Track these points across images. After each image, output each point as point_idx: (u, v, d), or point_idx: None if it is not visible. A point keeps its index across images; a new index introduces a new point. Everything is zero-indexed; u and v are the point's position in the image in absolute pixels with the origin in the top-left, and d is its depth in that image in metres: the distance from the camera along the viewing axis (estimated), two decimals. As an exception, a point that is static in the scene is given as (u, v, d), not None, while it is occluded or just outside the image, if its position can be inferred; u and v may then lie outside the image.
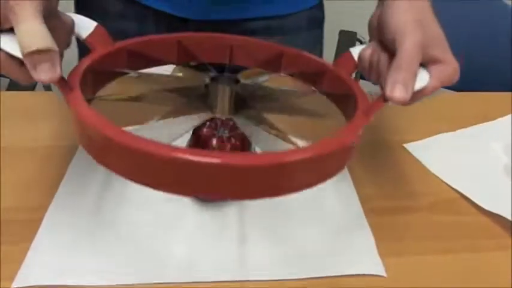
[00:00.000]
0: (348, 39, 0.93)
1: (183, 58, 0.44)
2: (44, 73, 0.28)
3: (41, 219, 0.41)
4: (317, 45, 0.66)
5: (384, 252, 0.41)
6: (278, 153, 0.27)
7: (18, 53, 0.29)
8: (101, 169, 0.29)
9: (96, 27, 0.37)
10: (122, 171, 0.28)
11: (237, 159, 0.26)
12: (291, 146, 0.34)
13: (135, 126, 0.35)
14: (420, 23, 0.35)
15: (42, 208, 0.42)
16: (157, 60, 0.43)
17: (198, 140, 0.41)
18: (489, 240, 0.44)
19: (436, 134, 0.57)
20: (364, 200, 0.46)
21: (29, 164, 0.47)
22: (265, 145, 0.36)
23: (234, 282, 0.37)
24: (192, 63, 0.43)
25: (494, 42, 0.91)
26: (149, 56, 0.42)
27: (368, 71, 0.40)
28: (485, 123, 0.60)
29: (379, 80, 0.39)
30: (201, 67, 0.42)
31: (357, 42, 0.93)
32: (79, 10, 0.61)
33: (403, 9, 0.36)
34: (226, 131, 0.40)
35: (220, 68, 0.42)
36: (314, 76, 0.42)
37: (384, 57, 0.38)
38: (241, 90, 0.38)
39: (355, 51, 0.41)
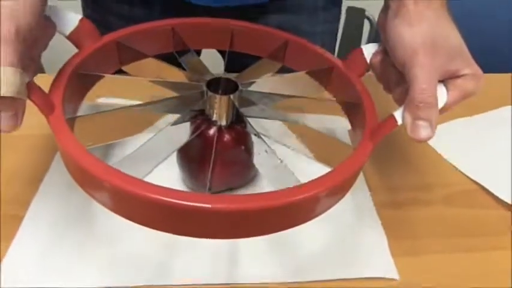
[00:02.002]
0: (355, 16, 0.88)
1: (179, 46, 0.41)
2: (2, 121, 0.27)
3: (21, 216, 0.38)
4: (334, 24, 0.63)
5: (395, 251, 0.38)
6: (278, 194, 0.26)
7: None
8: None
9: (80, 22, 0.34)
10: (98, 200, 0.28)
11: (225, 203, 0.25)
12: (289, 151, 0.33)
13: (132, 136, 0.33)
14: (432, 42, 0.30)
15: (24, 203, 0.39)
16: (151, 50, 0.40)
17: (195, 130, 0.37)
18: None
19: (451, 119, 0.53)
20: (371, 192, 0.43)
21: (10, 155, 0.44)
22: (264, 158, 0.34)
23: (227, 285, 0.35)
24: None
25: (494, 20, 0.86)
26: (141, 47, 0.39)
27: (379, 77, 0.37)
28: (504, 107, 0.56)
29: (389, 92, 0.35)
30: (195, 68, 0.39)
31: (366, 20, 0.88)
32: None
33: (411, 27, 0.31)
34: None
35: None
36: (321, 73, 0.39)
37: (393, 71, 0.34)
38: (239, 98, 0.36)
39: (368, 50, 0.37)
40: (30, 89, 0.28)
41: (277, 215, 0.27)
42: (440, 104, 0.31)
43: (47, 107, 0.29)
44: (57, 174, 0.42)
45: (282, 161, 0.32)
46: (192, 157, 0.39)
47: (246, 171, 0.41)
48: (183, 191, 0.25)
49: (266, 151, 0.33)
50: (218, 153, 0.35)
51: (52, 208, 0.39)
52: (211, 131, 0.36)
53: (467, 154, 0.49)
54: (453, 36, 0.32)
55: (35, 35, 0.29)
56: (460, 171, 0.47)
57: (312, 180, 0.27)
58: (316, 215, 0.29)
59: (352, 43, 0.87)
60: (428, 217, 0.42)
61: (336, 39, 0.66)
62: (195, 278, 0.35)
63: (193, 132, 0.36)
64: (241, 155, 0.37)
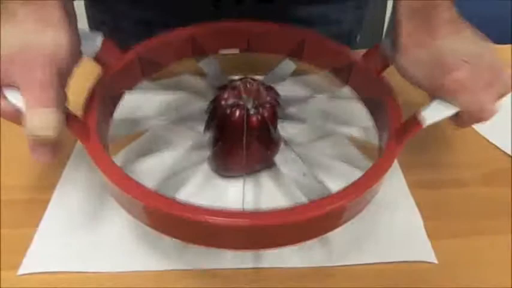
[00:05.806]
0: None
1: (199, 52, 0.42)
2: (42, 156, 0.29)
3: (46, 200, 0.38)
4: (362, 11, 0.59)
5: (430, 233, 0.37)
6: (307, 207, 0.27)
7: None
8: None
9: (103, 42, 0.35)
10: (139, 219, 0.30)
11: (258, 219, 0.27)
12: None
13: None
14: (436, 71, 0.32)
15: (49, 187, 0.39)
16: (170, 60, 0.41)
17: (220, 113, 0.35)
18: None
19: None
20: (403, 171, 0.42)
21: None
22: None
23: (255, 269, 0.34)
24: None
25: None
26: (161, 58, 0.40)
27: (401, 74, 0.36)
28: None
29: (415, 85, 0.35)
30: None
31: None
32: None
33: (414, 60, 0.33)
34: (251, 100, 0.35)
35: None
36: (340, 69, 0.39)
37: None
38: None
39: (387, 46, 0.36)
40: (66, 118, 0.29)
41: (306, 226, 0.28)
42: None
43: (83, 134, 0.30)
44: (81, 157, 0.41)
45: (309, 170, 0.32)
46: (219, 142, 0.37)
47: (269, 155, 0.41)
48: (217, 209, 0.26)
49: (293, 159, 0.33)
50: (246, 138, 0.35)
51: (77, 192, 0.39)
52: (239, 115, 0.34)
53: (507, 129, 0.46)
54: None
55: (71, 70, 0.30)
56: (498, 148, 0.45)
57: (338, 192, 0.28)
58: (346, 222, 0.29)
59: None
60: (465, 197, 0.41)
61: (362, 25, 0.63)
62: (222, 262, 0.35)
63: (219, 119, 0.35)
64: (266, 138, 0.36)
